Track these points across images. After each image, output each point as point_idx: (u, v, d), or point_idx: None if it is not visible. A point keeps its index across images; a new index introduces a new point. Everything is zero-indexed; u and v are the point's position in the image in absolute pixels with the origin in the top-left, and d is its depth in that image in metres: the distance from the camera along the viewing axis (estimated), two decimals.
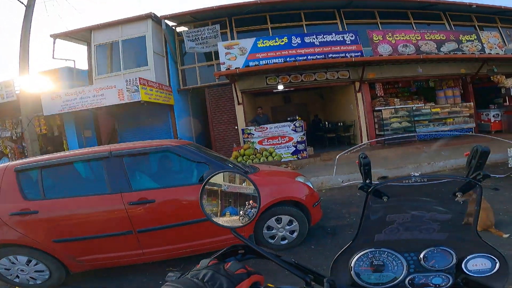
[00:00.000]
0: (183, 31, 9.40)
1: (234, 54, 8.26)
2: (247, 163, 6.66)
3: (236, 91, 8.71)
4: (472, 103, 9.92)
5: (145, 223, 2.79)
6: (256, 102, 13.99)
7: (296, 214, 3.16)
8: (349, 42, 8.54)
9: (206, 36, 9.09)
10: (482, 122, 9.64)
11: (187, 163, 3.05)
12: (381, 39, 8.68)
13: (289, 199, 3.17)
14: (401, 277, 0.77)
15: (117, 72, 9.01)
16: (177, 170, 3.24)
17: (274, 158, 7.83)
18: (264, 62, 8.16)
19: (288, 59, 8.26)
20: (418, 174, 0.75)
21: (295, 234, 3.21)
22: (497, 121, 9.21)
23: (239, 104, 8.86)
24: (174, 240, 2.88)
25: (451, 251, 0.76)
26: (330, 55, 8.39)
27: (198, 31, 9.11)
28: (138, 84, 7.28)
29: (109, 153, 2.87)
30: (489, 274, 0.75)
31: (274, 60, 8.22)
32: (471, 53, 8.86)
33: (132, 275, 3.06)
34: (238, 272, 0.65)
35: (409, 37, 8.80)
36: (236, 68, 7.92)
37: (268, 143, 8.19)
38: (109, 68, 9.30)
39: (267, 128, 8.19)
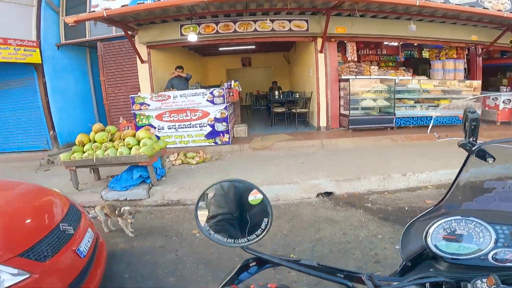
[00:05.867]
0: None
1: None
2: (94, 155, 3.75)
3: (135, 44, 6.19)
4: (479, 82, 7.22)
5: None
6: (201, 63, 11.42)
7: None
8: None
9: None
10: (487, 108, 7.01)
11: None
12: None
13: None
14: (485, 249, 0.69)
15: None
16: None
17: (153, 147, 3.94)
18: None
19: None
20: None
21: None
22: (506, 109, 6.57)
23: (142, 62, 6.41)
24: None
25: None
26: None
27: None
28: None
29: None
30: None
31: None
32: (497, 10, 5.91)
33: None
34: None
35: None
36: (107, 8, 5.07)
37: (171, 119, 5.89)
38: None
39: (169, 96, 5.84)
